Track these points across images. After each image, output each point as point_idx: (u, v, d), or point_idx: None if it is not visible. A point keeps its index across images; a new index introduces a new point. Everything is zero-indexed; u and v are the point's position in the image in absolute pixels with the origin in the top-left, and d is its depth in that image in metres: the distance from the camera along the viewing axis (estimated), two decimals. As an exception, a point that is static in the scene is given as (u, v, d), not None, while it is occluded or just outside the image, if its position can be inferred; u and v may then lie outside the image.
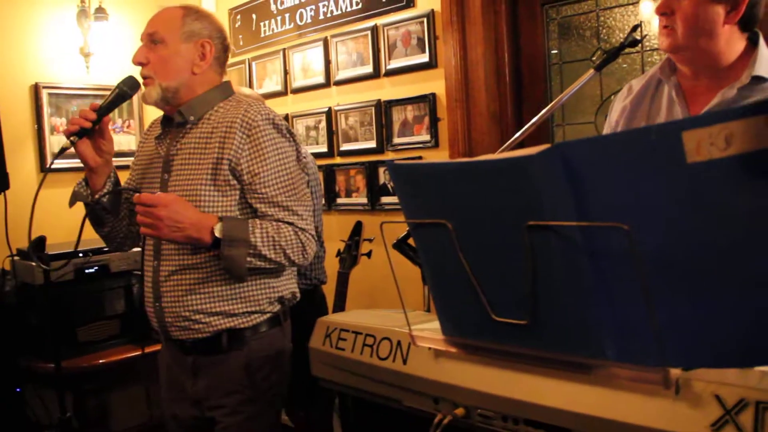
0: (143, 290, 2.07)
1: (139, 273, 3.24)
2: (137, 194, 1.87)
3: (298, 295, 2.15)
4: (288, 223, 1.94)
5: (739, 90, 1.66)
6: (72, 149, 1.93)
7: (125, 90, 1.98)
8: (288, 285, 2.09)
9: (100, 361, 3.26)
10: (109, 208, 2.05)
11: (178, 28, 1.98)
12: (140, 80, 2.02)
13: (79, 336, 3.26)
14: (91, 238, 3.48)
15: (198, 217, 1.86)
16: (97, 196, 2.01)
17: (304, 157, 2.86)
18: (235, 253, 1.86)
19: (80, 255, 3.22)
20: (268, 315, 2.03)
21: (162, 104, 2.01)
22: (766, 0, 1.71)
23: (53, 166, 3.70)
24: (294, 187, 1.98)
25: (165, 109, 2.05)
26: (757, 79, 1.65)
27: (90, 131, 1.92)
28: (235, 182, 1.93)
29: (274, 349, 2.05)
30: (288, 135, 2.00)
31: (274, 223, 1.92)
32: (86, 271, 3.24)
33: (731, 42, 1.70)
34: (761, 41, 1.72)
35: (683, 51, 1.73)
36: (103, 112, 1.93)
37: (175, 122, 2.03)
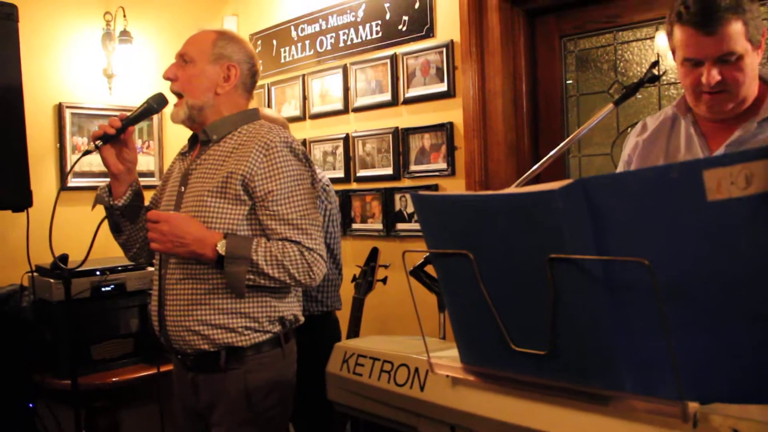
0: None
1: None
2: (148, 211, 1.99)
3: (302, 318, 2.16)
4: (295, 242, 1.96)
5: (759, 124, 1.68)
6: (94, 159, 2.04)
7: (152, 105, 2.10)
8: (290, 307, 2.10)
9: (113, 379, 3.26)
10: (127, 215, 2.16)
11: (208, 50, 2.09)
12: (169, 97, 2.13)
13: (93, 353, 3.28)
14: (108, 256, 3.54)
15: (202, 233, 1.93)
16: (115, 202, 2.12)
17: (327, 186, 2.90)
18: (236, 270, 1.91)
19: (97, 273, 3.25)
20: (269, 335, 2.04)
21: (188, 123, 2.11)
22: None
23: (71, 184, 3.81)
24: (305, 208, 2.01)
25: (192, 128, 2.15)
26: None
27: (113, 138, 2.04)
28: (245, 197, 1.98)
29: (273, 371, 2.06)
30: (304, 159, 2.05)
31: (280, 243, 1.95)
32: (102, 289, 3.27)
33: (757, 78, 1.73)
34: None
35: (736, 109, 1.71)
36: (129, 122, 2.06)
37: (199, 140, 2.13)
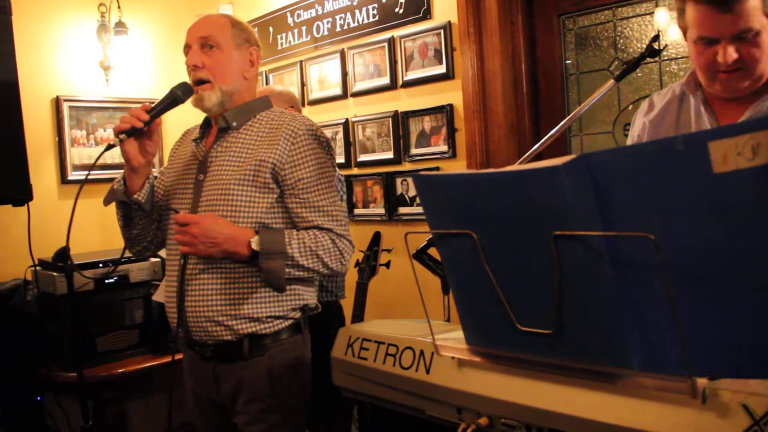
0: (166, 291, 2.08)
1: (158, 283, 3.30)
2: (175, 214, 1.95)
3: (319, 306, 2.15)
4: (327, 229, 1.97)
5: None
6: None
7: (179, 95, 2.01)
8: (313, 295, 2.10)
9: (120, 370, 3.27)
10: (147, 209, 2.07)
11: (230, 35, 2.04)
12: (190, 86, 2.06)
13: (98, 346, 3.28)
14: (111, 248, 3.53)
15: (233, 231, 1.90)
16: (136, 197, 2.02)
17: (341, 176, 2.91)
18: (274, 266, 1.89)
19: (100, 265, 3.24)
20: (290, 321, 2.02)
21: (218, 108, 2.05)
22: None
23: (71, 178, 3.80)
24: (333, 195, 2.02)
25: (211, 113, 2.09)
26: None
27: (140, 131, 1.95)
28: (274, 186, 1.96)
29: (295, 357, 2.04)
30: (327, 147, 2.04)
31: (311, 232, 1.95)
32: (106, 281, 3.26)
33: None
34: None
35: (751, 87, 1.66)
36: (156, 114, 1.96)
37: (218, 127, 2.07)
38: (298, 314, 2.05)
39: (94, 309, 3.26)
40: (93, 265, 3.22)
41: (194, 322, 1.97)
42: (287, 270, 1.91)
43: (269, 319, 1.98)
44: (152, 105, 1.98)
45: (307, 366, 2.10)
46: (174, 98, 2.00)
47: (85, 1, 4.00)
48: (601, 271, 1.02)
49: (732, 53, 1.59)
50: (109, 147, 1.96)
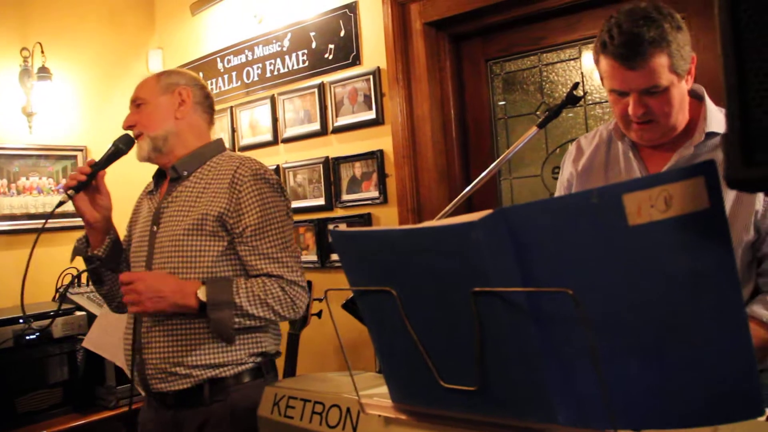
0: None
1: (82, 337, 3.17)
2: (120, 274, 1.97)
3: (280, 350, 2.15)
4: (277, 276, 1.96)
5: (696, 147, 1.67)
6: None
7: (121, 147, 2.08)
8: (272, 340, 2.10)
9: (42, 432, 3.11)
10: (109, 265, 2.14)
11: (154, 86, 2.11)
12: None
13: (17, 407, 3.12)
14: (35, 302, 3.38)
15: (178, 284, 1.92)
16: (95, 252, 2.10)
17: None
18: (221, 316, 1.89)
19: (20, 321, 3.10)
20: (251, 365, 2.02)
21: (154, 155, 2.09)
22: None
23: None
24: (283, 240, 2.01)
25: (159, 162, 2.13)
26: (710, 135, 1.66)
27: (86, 185, 2.03)
28: (223, 233, 1.97)
29: (256, 401, 2.02)
30: (279, 189, 2.05)
31: (260, 280, 1.95)
32: (27, 337, 3.12)
33: (687, 104, 1.72)
34: (706, 97, 1.73)
35: (666, 136, 1.70)
36: (99, 167, 2.05)
37: (169, 178, 2.11)
38: (258, 359, 2.04)
39: (14, 367, 3.10)
40: (12, 321, 3.07)
41: (153, 374, 1.99)
42: (237, 320, 1.91)
43: (228, 365, 1.99)
44: (95, 160, 2.07)
45: None
46: (116, 151, 2.08)
47: (6, 45, 3.88)
48: (523, 326, 1.00)
49: (640, 107, 1.63)
50: (60, 204, 2.05)
